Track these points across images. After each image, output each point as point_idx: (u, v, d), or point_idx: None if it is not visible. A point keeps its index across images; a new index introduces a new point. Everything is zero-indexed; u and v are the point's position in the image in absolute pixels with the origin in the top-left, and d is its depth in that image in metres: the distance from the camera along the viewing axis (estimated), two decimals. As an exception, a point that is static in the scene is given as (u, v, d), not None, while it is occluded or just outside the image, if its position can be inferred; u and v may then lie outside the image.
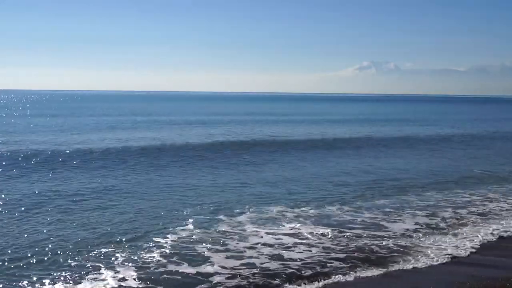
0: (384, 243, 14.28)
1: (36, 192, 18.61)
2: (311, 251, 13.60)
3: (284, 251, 13.59)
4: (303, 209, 17.67)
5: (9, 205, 16.62)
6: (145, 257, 12.80)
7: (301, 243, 14.20)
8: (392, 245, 14.14)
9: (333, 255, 13.34)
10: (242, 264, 12.58)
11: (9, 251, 12.65)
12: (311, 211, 17.37)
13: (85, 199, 17.92)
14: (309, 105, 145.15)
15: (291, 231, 15.23)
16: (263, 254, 13.30)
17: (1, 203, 16.88)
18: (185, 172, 23.51)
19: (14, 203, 16.83)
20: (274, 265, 12.53)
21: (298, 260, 12.97)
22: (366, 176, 23.78)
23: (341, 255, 13.30)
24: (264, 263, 12.73)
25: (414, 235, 14.97)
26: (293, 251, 13.61)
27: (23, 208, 16.25)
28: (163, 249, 13.43)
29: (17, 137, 35.38)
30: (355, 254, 13.34)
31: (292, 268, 12.36)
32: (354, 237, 14.75)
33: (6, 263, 11.93)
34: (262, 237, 14.66)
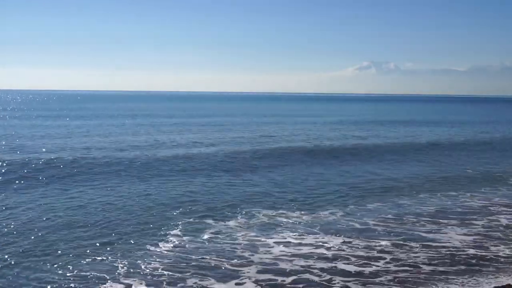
0: (472, 252, 12.86)
1: (28, 203, 17.08)
2: (376, 264, 12.01)
3: (337, 264, 11.96)
4: (296, 214, 16.44)
5: (5, 215, 15.53)
6: (150, 268, 11.53)
7: (348, 255, 12.58)
8: (482, 254, 12.75)
9: (426, 268, 11.85)
10: (296, 282, 11.00)
11: (4, 263, 11.68)
12: (305, 216, 16.11)
13: (80, 206, 16.78)
14: (308, 105, 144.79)
15: (306, 241, 13.69)
16: (311, 267, 11.73)
17: (5, 213, 15.67)
18: (181, 178, 21.93)
19: (7, 215, 15.54)
20: (353, 284, 10.95)
21: (378, 275, 11.38)
22: (362, 180, 22.59)
23: (436, 268, 11.86)
24: (329, 279, 11.11)
25: (486, 245, 13.54)
26: (348, 264, 12.03)
27: (12, 222, 14.82)
28: (169, 259, 12.07)
29: (23, 143, 32.46)
30: (460, 267, 11.90)
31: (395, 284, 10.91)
32: (407, 249, 13.12)
33: (2, 275, 11.06)
34: (276, 246, 13.18)
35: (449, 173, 24.62)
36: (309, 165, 26.53)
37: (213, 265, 11.84)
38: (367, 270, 11.70)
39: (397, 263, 12.16)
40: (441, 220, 16.06)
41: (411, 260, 12.37)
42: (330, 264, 11.99)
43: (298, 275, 11.34)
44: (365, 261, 12.23)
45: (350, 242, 13.61)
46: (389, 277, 11.32)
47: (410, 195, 19.63)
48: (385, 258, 12.43)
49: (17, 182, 20.31)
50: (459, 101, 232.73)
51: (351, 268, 11.82)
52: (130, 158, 26.81)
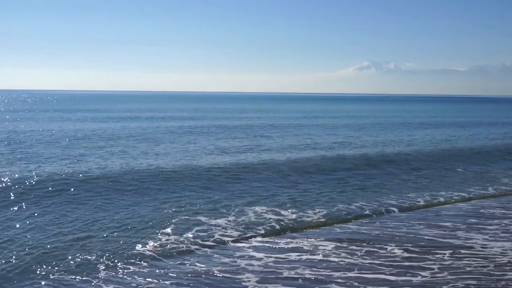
0: None
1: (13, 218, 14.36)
2: (422, 274, 10.35)
3: (362, 274, 10.37)
4: (285, 213, 15.27)
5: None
6: (134, 276, 10.18)
7: (361, 263, 10.97)
8: None
9: (502, 276, 10.19)
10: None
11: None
12: (293, 215, 15.08)
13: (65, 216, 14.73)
14: (308, 106, 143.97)
15: (292, 244, 12.37)
16: (331, 277, 10.19)
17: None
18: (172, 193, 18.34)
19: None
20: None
21: (438, 283, 9.83)
22: (348, 179, 21.28)
23: None
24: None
25: None
26: (377, 273, 10.44)
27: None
28: (160, 270, 10.62)
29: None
30: None
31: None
32: (441, 257, 11.46)
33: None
34: (263, 251, 11.80)
35: (439, 172, 23.73)
36: (308, 172, 23.76)
37: (203, 272, 10.53)
38: (415, 280, 10.07)
39: (451, 271, 10.49)
40: (441, 224, 14.52)
41: (470, 268, 10.70)
42: (350, 274, 10.38)
43: (320, 286, 9.78)
44: (399, 270, 10.61)
45: (345, 247, 12.14)
46: (459, 285, 9.75)
47: (398, 195, 18.54)
48: (431, 268, 10.68)
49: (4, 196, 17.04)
50: (460, 101, 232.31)
51: (390, 277, 10.21)
52: (127, 169, 22.69)
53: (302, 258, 11.44)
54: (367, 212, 16.11)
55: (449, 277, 10.21)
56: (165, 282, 10.09)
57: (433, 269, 10.69)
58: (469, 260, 11.28)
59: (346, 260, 11.29)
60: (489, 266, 10.86)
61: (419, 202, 17.70)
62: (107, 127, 47.08)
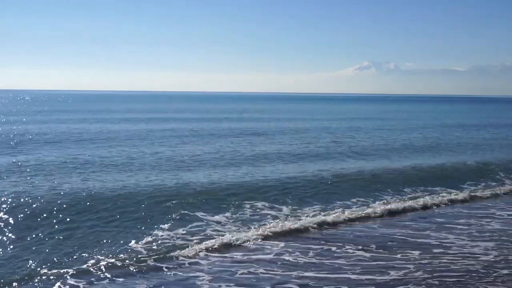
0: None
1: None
2: (390, 273, 9.91)
3: (321, 274, 9.81)
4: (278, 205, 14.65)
5: None
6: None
7: (317, 263, 10.47)
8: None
9: (486, 274, 9.92)
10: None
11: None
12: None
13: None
14: (308, 106, 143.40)
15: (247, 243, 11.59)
16: (289, 278, 9.56)
17: None
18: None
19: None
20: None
21: (408, 281, 9.46)
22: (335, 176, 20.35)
23: (499, 271, 10.12)
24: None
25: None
26: (337, 273, 9.89)
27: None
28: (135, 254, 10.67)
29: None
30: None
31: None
32: (417, 257, 10.94)
33: None
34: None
35: (431, 169, 23.25)
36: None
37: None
38: (380, 278, 9.59)
39: (426, 270, 10.05)
40: (406, 224, 13.85)
41: (455, 267, 10.35)
42: (311, 274, 9.81)
43: (276, 286, 9.24)
44: (365, 270, 10.03)
45: (297, 247, 11.48)
46: (436, 282, 9.30)
47: (394, 191, 18.09)
48: (406, 268, 10.14)
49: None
50: (460, 101, 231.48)
51: (355, 276, 9.61)
52: (125, 170, 21.89)
53: (251, 258, 10.72)
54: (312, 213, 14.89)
55: (426, 275, 9.76)
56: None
57: (408, 268, 10.17)
58: (449, 260, 10.80)
59: (301, 260, 10.62)
60: (474, 265, 10.44)
61: (375, 202, 16.67)
62: (106, 128, 46.54)
